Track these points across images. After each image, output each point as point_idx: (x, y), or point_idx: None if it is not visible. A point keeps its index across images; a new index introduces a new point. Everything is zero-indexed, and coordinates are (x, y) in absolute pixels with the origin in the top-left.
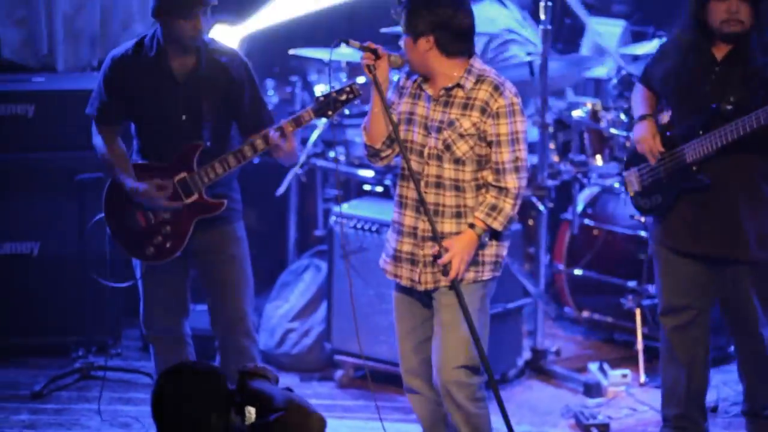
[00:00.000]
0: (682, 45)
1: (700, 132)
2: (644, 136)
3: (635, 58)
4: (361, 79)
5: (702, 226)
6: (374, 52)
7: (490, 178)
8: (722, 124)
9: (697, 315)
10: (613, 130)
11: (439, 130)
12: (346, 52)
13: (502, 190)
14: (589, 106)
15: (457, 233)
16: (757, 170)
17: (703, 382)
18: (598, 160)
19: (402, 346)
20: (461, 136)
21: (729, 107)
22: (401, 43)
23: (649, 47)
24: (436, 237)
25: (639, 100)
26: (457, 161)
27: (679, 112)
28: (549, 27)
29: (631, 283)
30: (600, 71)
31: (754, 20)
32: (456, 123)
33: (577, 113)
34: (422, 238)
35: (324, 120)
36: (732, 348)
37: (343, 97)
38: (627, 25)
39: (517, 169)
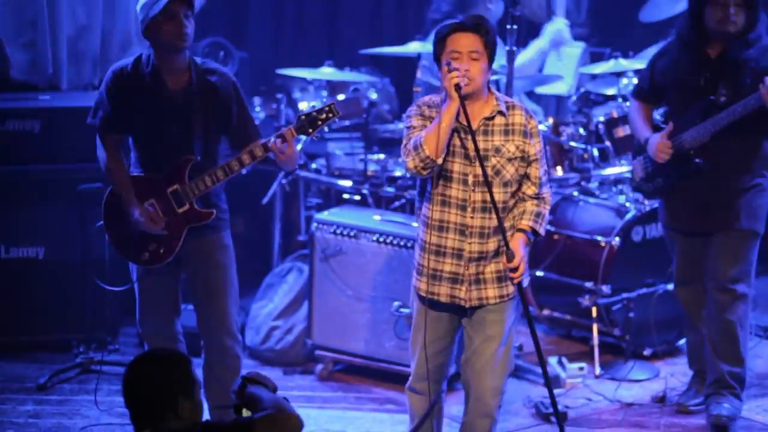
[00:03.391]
0: (680, 44)
1: (697, 121)
2: (658, 149)
3: (594, 77)
4: (340, 97)
5: (700, 206)
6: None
7: (531, 191)
8: (716, 114)
9: (702, 289)
10: (572, 143)
11: (486, 158)
12: (328, 72)
13: (542, 200)
14: (550, 121)
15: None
16: (751, 154)
17: (717, 336)
18: (559, 170)
19: (419, 354)
20: (509, 160)
21: (723, 99)
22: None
23: (606, 66)
24: (508, 252)
25: (638, 122)
26: (506, 184)
27: (676, 104)
28: (514, 49)
29: (588, 284)
30: (561, 88)
31: (746, 22)
32: (503, 149)
33: (540, 127)
34: (468, 260)
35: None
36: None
37: (323, 116)
38: (586, 47)
39: (548, 181)
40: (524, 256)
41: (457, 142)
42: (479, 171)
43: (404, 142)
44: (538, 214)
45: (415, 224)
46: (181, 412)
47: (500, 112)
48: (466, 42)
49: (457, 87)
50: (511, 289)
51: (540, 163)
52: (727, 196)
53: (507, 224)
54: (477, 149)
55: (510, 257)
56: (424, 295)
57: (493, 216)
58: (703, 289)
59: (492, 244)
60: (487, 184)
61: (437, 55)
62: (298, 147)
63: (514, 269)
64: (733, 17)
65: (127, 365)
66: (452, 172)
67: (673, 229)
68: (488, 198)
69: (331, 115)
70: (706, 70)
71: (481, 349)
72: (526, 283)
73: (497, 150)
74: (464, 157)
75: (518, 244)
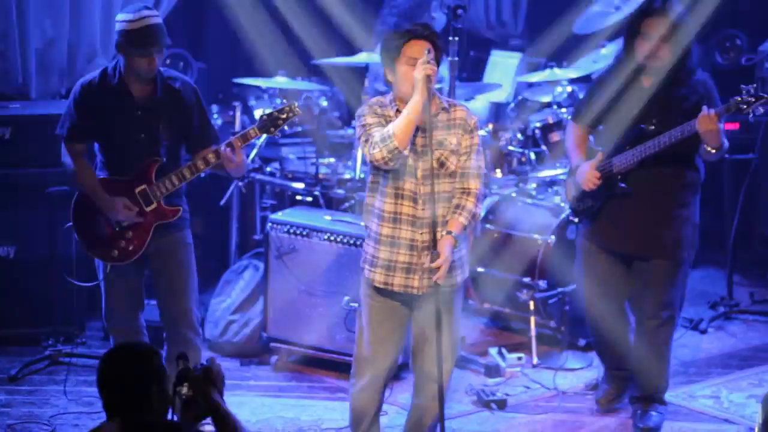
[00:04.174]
0: (616, 75)
1: (626, 147)
2: (586, 177)
3: (530, 85)
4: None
5: (624, 227)
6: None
7: (459, 184)
8: (645, 142)
9: (615, 299)
10: (510, 147)
11: (429, 151)
12: (281, 81)
13: (465, 191)
14: (490, 126)
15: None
16: (671, 181)
17: (628, 344)
18: (498, 173)
19: (374, 348)
20: (452, 152)
21: (652, 127)
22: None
23: (541, 76)
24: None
25: (572, 147)
26: (451, 175)
27: (611, 130)
28: (456, 59)
29: (526, 279)
30: (499, 96)
31: (673, 57)
32: (445, 142)
33: (480, 133)
34: (420, 249)
35: (264, 137)
36: None
37: (284, 116)
38: (523, 57)
39: (478, 175)
40: (448, 258)
41: None
42: (425, 165)
43: (363, 137)
44: (457, 206)
45: (363, 223)
46: (152, 403)
47: (443, 109)
48: (420, 49)
49: (430, 77)
50: (459, 278)
51: (472, 156)
52: (654, 222)
53: (446, 213)
54: (430, 141)
55: (434, 258)
56: (379, 285)
57: (442, 206)
58: (618, 309)
59: (440, 233)
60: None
61: (391, 61)
62: (254, 152)
63: (437, 269)
64: (659, 52)
65: (102, 356)
66: (404, 165)
67: (596, 245)
68: (437, 189)
69: (291, 114)
70: (640, 99)
71: (432, 335)
72: (461, 279)
73: (440, 143)
74: (414, 151)
75: (444, 246)
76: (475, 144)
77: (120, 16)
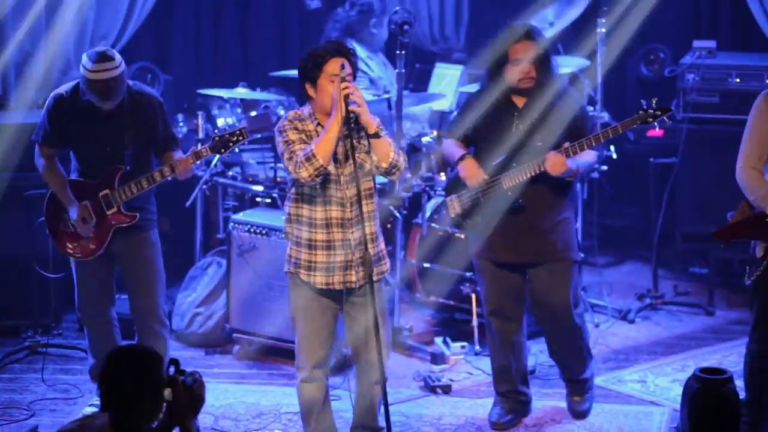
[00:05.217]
0: (487, 98)
1: (514, 165)
2: (470, 172)
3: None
4: (253, 113)
5: (517, 239)
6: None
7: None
8: (532, 158)
9: (516, 314)
10: None
11: (349, 157)
12: (242, 92)
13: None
14: (435, 133)
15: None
16: (557, 193)
17: (525, 361)
18: (442, 176)
19: (310, 343)
20: (366, 153)
21: (539, 144)
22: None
23: None
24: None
25: (453, 147)
26: (367, 173)
27: (489, 152)
28: (403, 71)
29: (468, 274)
30: (443, 105)
31: (542, 75)
32: (358, 146)
33: (426, 139)
34: (353, 246)
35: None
36: None
37: (235, 139)
38: (465, 69)
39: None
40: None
41: None
42: (347, 170)
43: (287, 155)
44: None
45: (286, 232)
46: (144, 408)
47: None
48: (338, 66)
49: (347, 97)
50: (386, 267)
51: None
52: (542, 230)
53: (372, 210)
54: (353, 149)
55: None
56: (321, 286)
57: (367, 204)
58: (515, 317)
59: (369, 228)
60: (357, 179)
61: (313, 78)
62: (217, 157)
63: (370, 263)
64: (529, 74)
65: (109, 351)
66: (329, 174)
67: (487, 260)
68: (359, 190)
69: (241, 138)
70: (516, 119)
71: (370, 325)
72: (386, 268)
73: (356, 148)
74: (336, 160)
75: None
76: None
77: (84, 59)
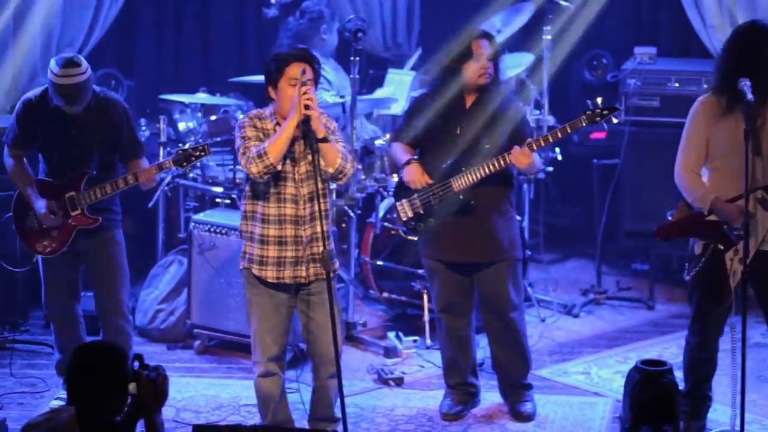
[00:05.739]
0: (435, 99)
1: (463, 168)
2: (414, 177)
3: None
4: (213, 117)
5: (465, 240)
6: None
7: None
8: (481, 161)
9: (465, 310)
10: None
11: (305, 157)
12: (202, 97)
13: (341, 173)
14: (387, 136)
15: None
16: (502, 194)
17: (474, 355)
18: (394, 177)
19: (264, 338)
20: (317, 142)
21: (487, 146)
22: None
23: None
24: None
25: (399, 150)
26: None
27: (437, 154)
28: (356, 76)
29: (420, 271)
30: (396, 109)
31: (495, 75)
32: (316, 146)
33: (378, 142)
34: (304, 243)
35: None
36: None
37: (197, 154)
38: (416, 75)
39: (342, 151)
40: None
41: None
42: (303, 169)
43: (242, 150)
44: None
45: (241, 229)
46: (108, 402)
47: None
48: (299, 70)
49: (307, 106)
50: (337, 264)
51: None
52: (489, 230)
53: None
54: (312, 149)
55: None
56: (272, 280)
57: (322, 203)
58: (464, 314)
59: (319, 227)
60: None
61: (275, 81)
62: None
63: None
64: (488, 70)
65: (78, 346)
66: (284, 172)
67: (437, 261)
68: (313, 189)
69: (203, 154)
70: (463, 120)
71: (323, 320)
72: (337, 266)
73: (307, 134)
74: (291, 158)
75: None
76: (337, 140)
77: (51, 64)
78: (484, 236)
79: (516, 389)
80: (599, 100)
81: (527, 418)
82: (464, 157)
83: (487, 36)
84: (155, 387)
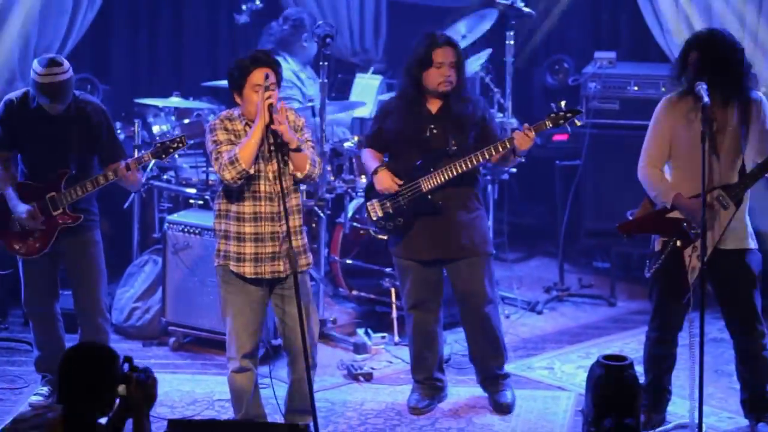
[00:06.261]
0: (402, 104)
1: (431, 169)
2: (385, 185)
3: None
4: (186, 121)
5: (437, 238)
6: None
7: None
8: (449, 162)
9: (434, 306)
10: None
11: (275, 155)
12: (175, 101)
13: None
14: (356, 138)
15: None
16: (470, 192)
17: (441, 350)
18: (363, 178)
19: (239, 335)
20: (290, 151)
21: (454, 148)
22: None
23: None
24: (290, 235)
25: (370, 157)
26: (291, 171)
27: (406, 156)
28: (326, 80)
29: (388, 270)
30: (363, 112)
31: (458, 81)
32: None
33: (347, 144)
34: (281, 239)
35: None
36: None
37: (174, 146)
38: (383, 79)
39: (310, 156)
40: (287, 129)
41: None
42: (275, 167)
43: (214, 155)
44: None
45: (216, 227)
46: (97, 403)
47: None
48: (262, 76)
49: (271, 106)
50: (310, 261)
51: (303, 147)
52: (460, 227)
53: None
54: (278, 149)
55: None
56: (250, 276)
57: (293, 198)
58: (432, 310)
59: (295, 222)
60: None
61: (239, 87)
62: (152, 162)
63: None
64: (450, 78)
65: (71, 347)
66: (258, 171)
67: (409, 260)
68: (287, 186)
69: (180, 145)
70: (430, 123)
71: (295, 314)
72: (310, 260)
73: (281, 146)
74: (263, 157)
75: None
76: (305, 138)
77: (35, 64)
78: (456, 233)
79: (494, 380)
80: (563, 103)
81: (507, 408)
82: (432, 159)
83: (450, 43)
84: (145, 389)
